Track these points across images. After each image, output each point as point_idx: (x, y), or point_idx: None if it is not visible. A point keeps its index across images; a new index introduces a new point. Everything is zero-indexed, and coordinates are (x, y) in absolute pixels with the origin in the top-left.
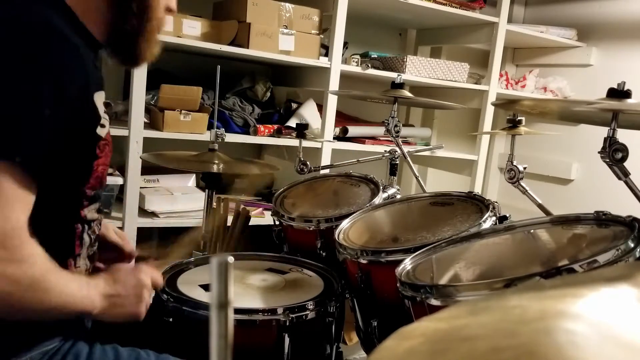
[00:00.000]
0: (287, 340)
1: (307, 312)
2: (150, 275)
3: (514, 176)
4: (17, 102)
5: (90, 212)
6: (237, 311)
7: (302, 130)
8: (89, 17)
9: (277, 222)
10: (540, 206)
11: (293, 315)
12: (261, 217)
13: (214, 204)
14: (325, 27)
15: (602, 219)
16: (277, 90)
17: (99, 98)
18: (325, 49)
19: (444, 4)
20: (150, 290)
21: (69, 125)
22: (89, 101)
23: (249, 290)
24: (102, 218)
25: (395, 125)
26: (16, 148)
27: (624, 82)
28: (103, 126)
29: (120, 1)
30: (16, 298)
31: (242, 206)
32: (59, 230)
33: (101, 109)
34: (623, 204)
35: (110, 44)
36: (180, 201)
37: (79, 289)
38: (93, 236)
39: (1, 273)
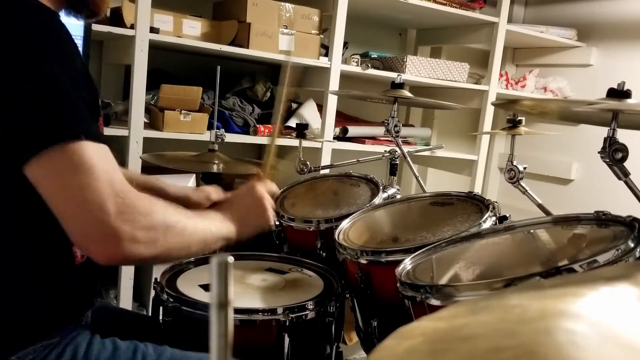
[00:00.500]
0: (287, 340)
1: (307, 312)
2: (263, 186)
3: (514, 176)
4: (40, 85)
5: None
6: (237, 311)
7: (302, 130)
8: None
9: (277, 222)
10: (540, 206)
11: (293, 315)
12: None
13: None
14: (325, 27)
15: (602, 219)
16: (277, 90)
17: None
18: (325, 49)
19: (444, 4)
20: (269, 199)
21: (85, 93)
22: (87, 68)
23: (249, 290)
24: None
25: (395, 125)
26: (74, 128)
27: (623, 82)
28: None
29: None
30: (162, 245)
31: None
32: (46, 223)
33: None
34: (623, 204)
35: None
36: None
37: (212, 221)
38: None
39: (137, 225)
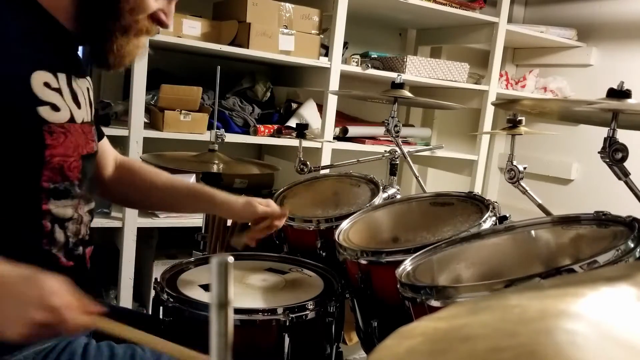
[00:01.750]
0: (287, 340)
1: (307, 312)
2: (66, 298)
3: (514, 176)
4: None
5: (58, 208)
6: (237, 311)
7: (302, 130)
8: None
9: None
10: (540, 206)
11: (293, 315)
12: None
13: None
14: (325, 27)
15: (602, 219)
16: (277, 90)
17: (40, 77)
18: (325, 49)
19: (444, 4)
20: (51, 314)
21: None
22: (20, 78)
23: (249, 290)
24: (86, 215)
25: (395, 125)
26: None
27: (622, 82)
28: (56, 110)
29: None
30: None
31: None
32: (19, 224)
33: (44, 89)
34: (623, 204)
35: (82, 38)
36: None
37: None
38: (72, 236)
39: None
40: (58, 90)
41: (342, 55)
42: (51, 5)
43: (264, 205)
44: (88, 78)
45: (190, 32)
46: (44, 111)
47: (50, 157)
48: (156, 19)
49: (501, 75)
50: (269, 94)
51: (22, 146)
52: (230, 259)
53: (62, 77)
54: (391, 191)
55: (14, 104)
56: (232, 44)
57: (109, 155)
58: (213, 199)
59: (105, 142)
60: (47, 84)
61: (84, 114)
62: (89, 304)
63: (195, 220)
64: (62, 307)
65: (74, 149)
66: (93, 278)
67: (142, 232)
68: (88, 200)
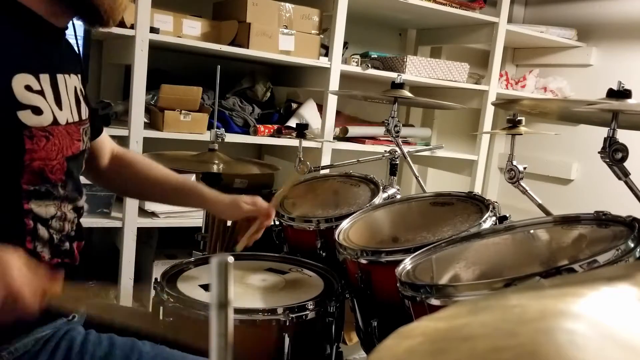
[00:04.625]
0: (287, 340)
1: (307, 312)
2: (32, 280)
3: (514, 176)
4: None
5: (40, 207)
6: (237, 311)
7: (302, 130)
8: None
9: (277, 222)
10: (540, 206)
11: (293, 315)
12: None
13: None
14: (325, 27)
15: (602, 219)
16: (277, 90)
17: (21, 80)
18: (325, 49)
19: (444, 4)
20: (8, 289)
21: None
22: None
23: (249, 290)
24: (70, 213)
25: (395, 125)
26: None
27: (619, 82)
28: (38, 113)
29: None
30: None
31: None
32: (1, 223)
33: (25, 92)
34: (623, 204)
35: (68, 3)
36: None
37: None
38: (56, 233)
39: None
40: (40, 93)
41: (342, 55)
42: (28, 0)
43: (250, 204)
44: (78, 75)
45: (190, 32)
46: (25, 115)
47: (30, 162)
48: None
49: (501, 75)
50: (269, 94)
51: (0, 150)
52: (230, 259)
53: (44, 77)
54: (391, 191)
55: None
56: (232, 44)
57: (106, 146)
58: (202, 196)
59: (104, 135)
60: (28, 87)
61: (67, 115)
62: (45, 279)
63: (195, 220)
64: (20, 283)
65: (58, 152)
66: (83, 272)
67: (142, 232)
68: (73, 199)
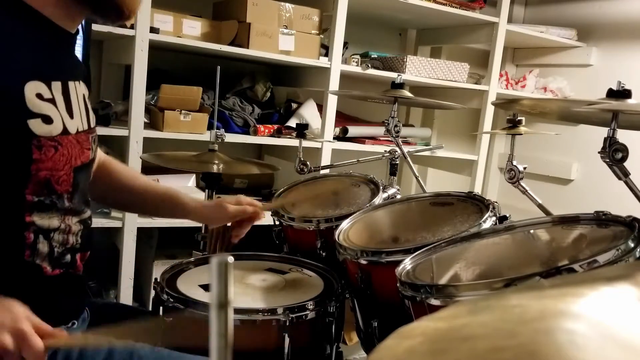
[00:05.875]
0: (287, 340)
1: (307, 312)
2: (33, 323)
3: (514, 176)
4: None
5: (43, 220)
6: (237, 311)
7: (302, 130)
8: None
9: (277, 222)
10: (540, 206)
11: (293, 315)
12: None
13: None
14: (325, 27)
15: (602, 219)
16: (277, 90)
17: (33, 88)
18: (325, 49)
19: (444, 4)
20: (18, 338)
21: None
22: (12, 90)
23: (249, 290)
24: (75, 225)
25: (395, 125)
26: None
27: (619, 82)
28: (49, 122)
29: None
30: None
31: None
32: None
33: (36, 100)
34: (623, 204)
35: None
36: None
37: None
38: (58, 246)
39: None
40: (51, 101)
41: (342, 55)
42: (40, 3)
43: (234, 203)
44: (83, 83)
45: (190, 32)
46: (35, 124)
47: (37, 172)
48: None
49: (501, 75)
50: (269, 94)
51: (6, 159)
52: (230, 259)
53: (56, 85)
54: (391, 191)
55: (4, 117)
56: (232, 44)
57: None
58: (186, 206)
59: None
60: (39, 95)
61: (78, 123)
62: (50, 329)
63: None
64: (29, 333)
65: (66, 162)
66: (86, 283)
67: (142, 232)
68: (79, 212)
